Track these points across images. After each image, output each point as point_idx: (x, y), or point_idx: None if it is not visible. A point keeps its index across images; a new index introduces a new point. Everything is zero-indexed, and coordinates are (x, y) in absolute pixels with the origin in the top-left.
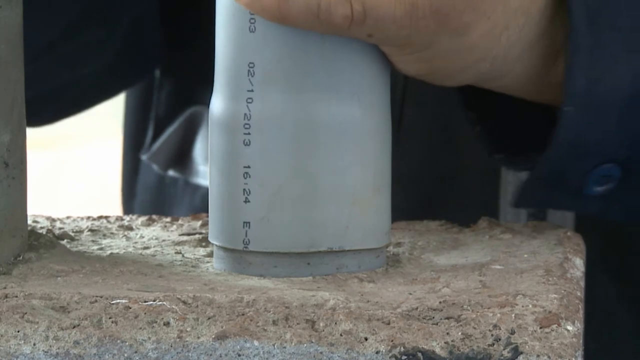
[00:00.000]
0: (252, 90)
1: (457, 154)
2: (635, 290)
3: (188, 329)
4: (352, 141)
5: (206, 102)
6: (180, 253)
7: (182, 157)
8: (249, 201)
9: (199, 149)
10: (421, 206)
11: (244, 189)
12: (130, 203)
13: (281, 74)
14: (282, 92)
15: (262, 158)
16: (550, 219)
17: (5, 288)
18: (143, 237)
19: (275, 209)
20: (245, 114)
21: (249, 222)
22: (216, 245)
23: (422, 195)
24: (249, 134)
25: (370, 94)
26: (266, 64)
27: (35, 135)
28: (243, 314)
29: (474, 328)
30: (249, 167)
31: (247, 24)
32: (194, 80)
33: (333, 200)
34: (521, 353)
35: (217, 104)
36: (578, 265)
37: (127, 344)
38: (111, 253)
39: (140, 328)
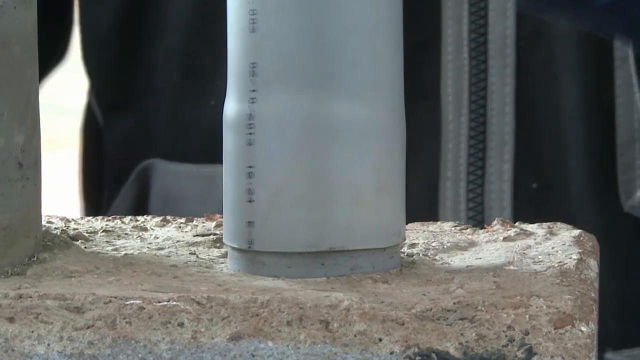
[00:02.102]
0: (254, 90)
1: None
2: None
3: (202, 330)
4: (352, 140)
5: (153, 156)
6: (195, 254)
7: (139, 212)
8: (252, 201)
9: (154, 202)
10: None
11: (248, 189)
12: None
13: (282, 74)
14: (284, 92)
15: (265, 158)
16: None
17: (19, 288)
18: (157, 237)
19: (278, 208)
20: (249, 114)
21: (253, 222)
22: (229, 246)
23: None
24: (252, 134)
25: (374, 93)
26: (267, 63)
27: (44, 136)
28: (257, 315)
29: (488, 329)
30: (252, 167)
31: (248, 25)
32: (136, 138)
33: (335, 200)
34: (535, 354)
35: (227, 105)
36: (592, 266)
37: (141, 344)
38: (125, 254)
39: (154, 329)
